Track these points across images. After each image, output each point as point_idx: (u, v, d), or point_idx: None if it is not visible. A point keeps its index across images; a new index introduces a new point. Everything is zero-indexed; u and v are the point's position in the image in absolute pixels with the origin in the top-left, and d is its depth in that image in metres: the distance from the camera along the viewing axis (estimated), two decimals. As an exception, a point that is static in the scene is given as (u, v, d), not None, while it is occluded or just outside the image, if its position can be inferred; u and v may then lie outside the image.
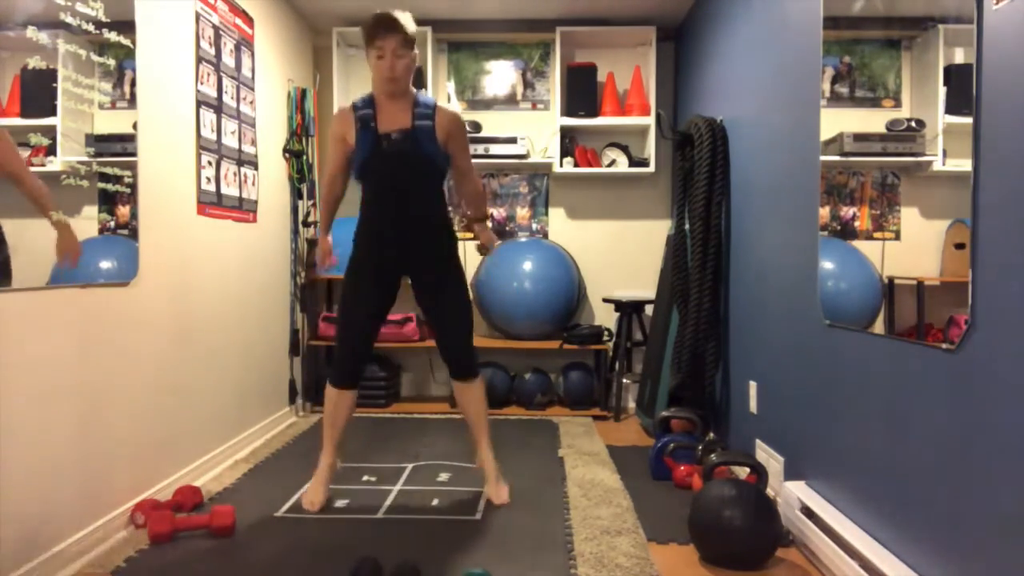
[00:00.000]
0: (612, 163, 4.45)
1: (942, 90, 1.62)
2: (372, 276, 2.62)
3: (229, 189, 3.29)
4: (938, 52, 1.65)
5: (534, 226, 4.63)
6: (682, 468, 2.92)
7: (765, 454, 2.72)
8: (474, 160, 4.28)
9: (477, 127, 4.42)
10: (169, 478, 2.74)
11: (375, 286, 2.63)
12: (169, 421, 2.74)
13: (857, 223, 2.02)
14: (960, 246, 1.53)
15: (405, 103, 2.54)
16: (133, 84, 2.49)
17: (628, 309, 4.23)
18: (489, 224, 2.85)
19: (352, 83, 4.58)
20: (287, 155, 4.06)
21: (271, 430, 3.79)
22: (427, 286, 2.66)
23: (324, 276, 4.39)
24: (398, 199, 2.56)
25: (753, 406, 2.90)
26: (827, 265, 2.21)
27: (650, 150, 4.33)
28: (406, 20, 2.44)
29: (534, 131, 4.53)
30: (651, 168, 4.30)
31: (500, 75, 4.59)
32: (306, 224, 4.26)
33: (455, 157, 2.63)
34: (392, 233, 2.59)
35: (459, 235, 4.63)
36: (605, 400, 4.31)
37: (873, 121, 1.95)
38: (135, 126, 2.51)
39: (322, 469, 2.70)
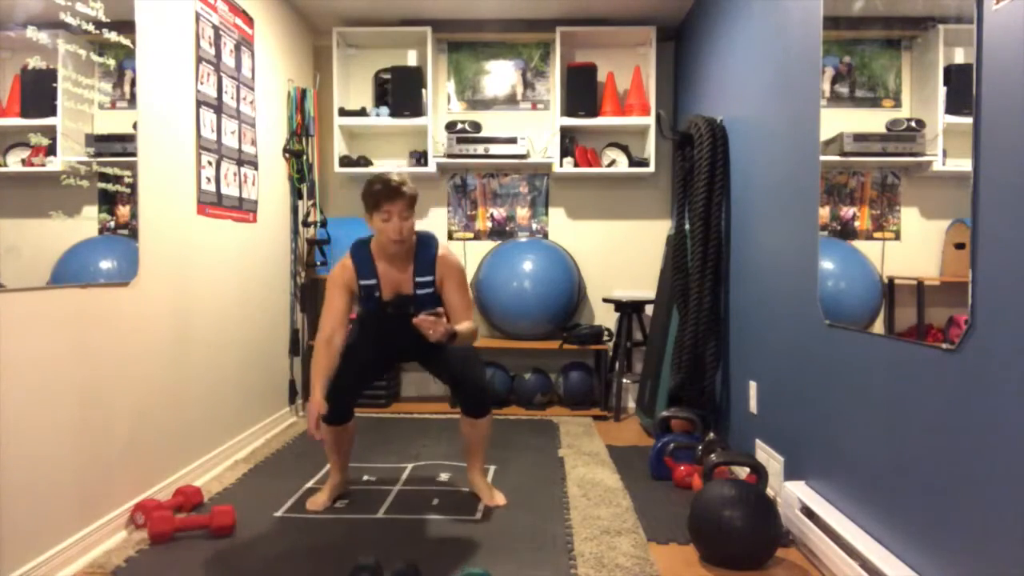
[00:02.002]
0: (612, 163, 4.45)
1: (942, 90, 1.62)
2: (375, 349, 2.70)
3: (229, 189, 3.29)
4: (938, 52, 1.65)
5: (534, 226, 4.63)
6: (682, 468, 2.92)
7: (765, 454, 2.72)
8: (474, 160, 4.33)
9: (477, 127, 4.42)
10: (169, 478, 2.74)
11: (377, 356, 2.72)
12: (169, 421, 2.74)
13: (857, 223, 2.02)
14: (960, 246, 1.53)
15: (407, 263, 2.56)
16: (133, 84, 2.49)
17: (628, 309, 4.23)
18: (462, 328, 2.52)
19: (352, 83, 4.58)
20: (287, 155, 4.06)
21: (271, 430, 3.79)
22: (431, 356, 2.68)
23: (324, 276, 4.38)
24: (398, 335, 2.62)
25: (753, 406, 2.90)
26: (827, 265, 2.21)
27: (650, 150, 4.33)
28: (409, 182, 2.46)
29: (534, 131, 4.53)
30: (651, 168, 4.30)
31: (500, 75, 4.59)
32: (306, 224, 4.26)
33: (447, 298, 2.58)
34: (393, 339, 2.67)
35: (459, 235, 4.67)
36: (605, 400, 4.30)
37: (873, 121, 1.95)
38: (135, 126, 2.51)
39: (331, 483, 2.73)
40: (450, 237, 4.64)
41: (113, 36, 2.37)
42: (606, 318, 4.58)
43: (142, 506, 2.44)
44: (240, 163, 3.42)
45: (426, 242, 2.58)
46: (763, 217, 2.82)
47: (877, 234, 1.92)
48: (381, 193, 2.41)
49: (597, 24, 4.33)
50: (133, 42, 2.49)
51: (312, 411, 2.39)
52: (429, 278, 2.55)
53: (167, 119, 2.74)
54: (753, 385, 2.90)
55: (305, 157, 4.17)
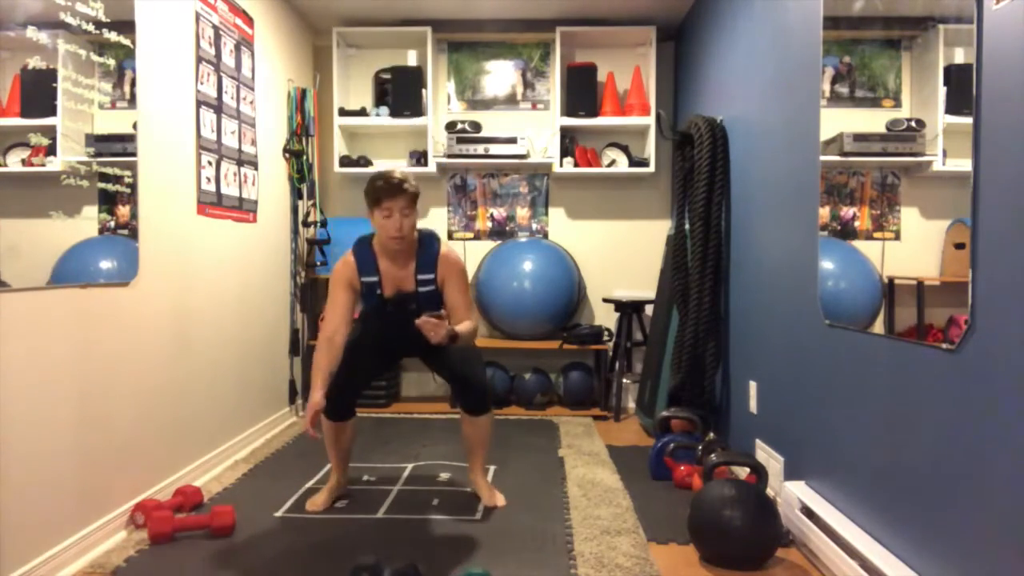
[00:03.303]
0: (612, 163, 4.45)
1: (942, 90, 1.62)
2: (377, 347, 2.70)
3: (229, 189, 3.29)
4: (938, 52, 1.65)
5: (534, 226, 4.63)
6: (682, 468, 2.92)
7: (765, 454, 2.72)
8: (474, 160, 4.32)
9: (477, 127, 4.42)
10: (169, 478, 2.74)
11: (379, 354, 2.72)
12: (169, 421, 2.74)
13: (857, 223, 2.02)
14: (960, 246, 1.53)
15: (408, 260, 2.56)
16: (133, 84, 2.49)
17: (628, 309, 4.23)
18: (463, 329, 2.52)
19: (352, 83, 4.58)
20: (287, 155, 4.06)
21: (271, 430, 3.79)
22: (432, 353, 2.68)
23: (324, 276, 4.38)
24: (400, 332, 2.62)
25: (753, 406, 2.90)
26: (827, 265, 2.21)
27: (650, 150, 4.33)
28: (411, 180, 2.46)
29: (534, 131, 4.53)
30: (651, 168, 4.30)
31: (500, 75, 4.59)
32: (306, 224, 4.26)
33: (448, 298, 2.59)
34: (395, 337, 2.68)
35: (459, 235, 4.67)
36: (605, 400, 4.30)
37: (873, 121, 1.95)
38: (135, 126, 2.51)
39: (331, 484, 2.73)
40: (450, 237, 4.64)
41: (113, 36, 2.37)
42: (606, 318, 4.58)
43: (142, 506, 2.44)
44: (240, 163, 3.42)
45: (428, 240, 2.58)
46: (763, 217, 2.82)
47: (877, 234, 1.92)
48: (382, 189, 2.41)
49: (597, 24, 4.33)
50: (133, 42, 2.49)
51: (311, 409, 2.38)
52: (431, 276, 2.55)
53: (167, 119, 2.74)
54: (753, 385, 2.90)
55: (305, 157, 4.17)
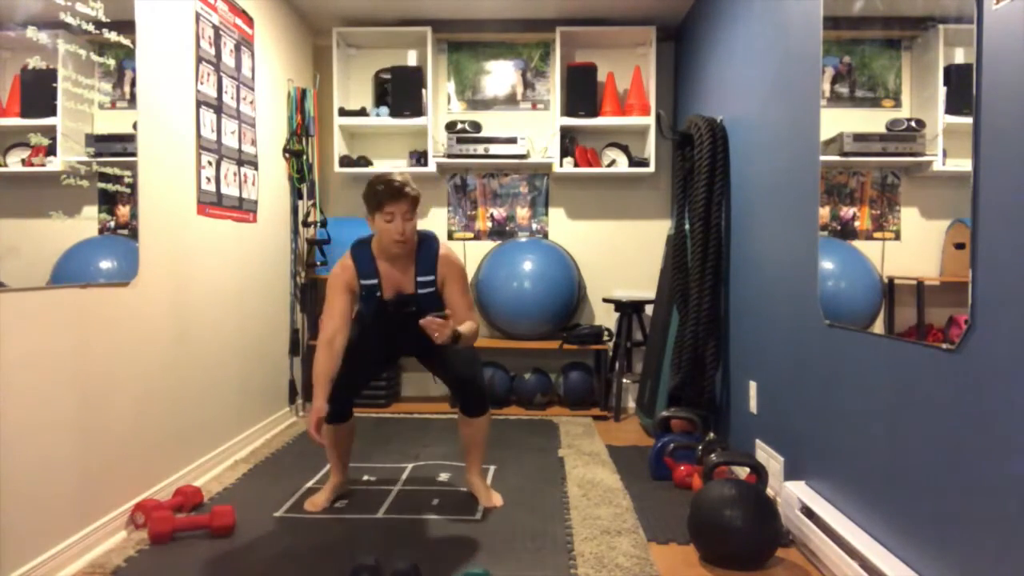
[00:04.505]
0: (612, 163, 4.45)
1: (942, 90, 1.62)
2: (376, 347, 2.70)
3: (229, 189, 3.29)
4: (938, 52, 1.65)
5: (534, 226, 4.63)
6: (682, 468, 2.92)
7: (765, 454, 2.72)
8: (474, 160, 4.32)
9: (477, 127, 4.42)
10: (169, 478, 2.74)
11: (377, 354, 2.73)
12: (169, 421, 2.74)
13: (857, 223, 2.02)
14: (960, 246, 1.53)
15: (408, 263, 2.56)
16: (133, 84, 2.49)
17: (628, 309, 4.23)
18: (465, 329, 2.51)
19: (352, 83, 4.58)
20: (287, 155, 4.06)
21: (271, 430, 3.79)
22: (432, 354, 2.68)
23: (324, 276, 4.38)
24: (399, 333, 2.63)
25: (753, 406, 2.90)
26: (827, 265, 2.21)
27: (650, 150, 4.33)
28: (412, 183, 2.46)
29: (534, 131, 4.53)
30: (651, 168, 4.30)
31: (500, 75, 4.59)
32: (306, 224, 4.26)
33: (449, 298, 2.58)
34: (394, 338, 2.68)
35: (459, 235, 4.66)
36: (605, 400, 4.30)
37: (873, 121, 1.95)
38: (135, 126, 2.51)
39: (331, 483, 2.74)
40: (450, 237, 4.64)
41: (113, 36, 2.37)
42: (606, 318, 4.58)
43: (142, 506, 2.43)
44: (240, 163, 3.42)
45: (427, 242, 2.58)
46: (763, 217, 2.82)
47: (877, 234, 1.92)
48: (384, 194, 2.41)
49: (597, 24, 4.33)
50: (133, 42, 2.49)
51: (315, 415, 2.37)
52: (431, 278, 2.55)
53: (167, 119, 2.74)
54: (753, 385, 2.90)
55: (305, 157, 4.17)
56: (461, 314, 2.55)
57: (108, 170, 2.35)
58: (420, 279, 2.55)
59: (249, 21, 3.53)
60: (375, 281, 2.55)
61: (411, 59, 4.53)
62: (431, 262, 2.55)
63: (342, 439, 2.68)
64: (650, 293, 4.50)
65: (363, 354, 2.64)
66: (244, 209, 3.47)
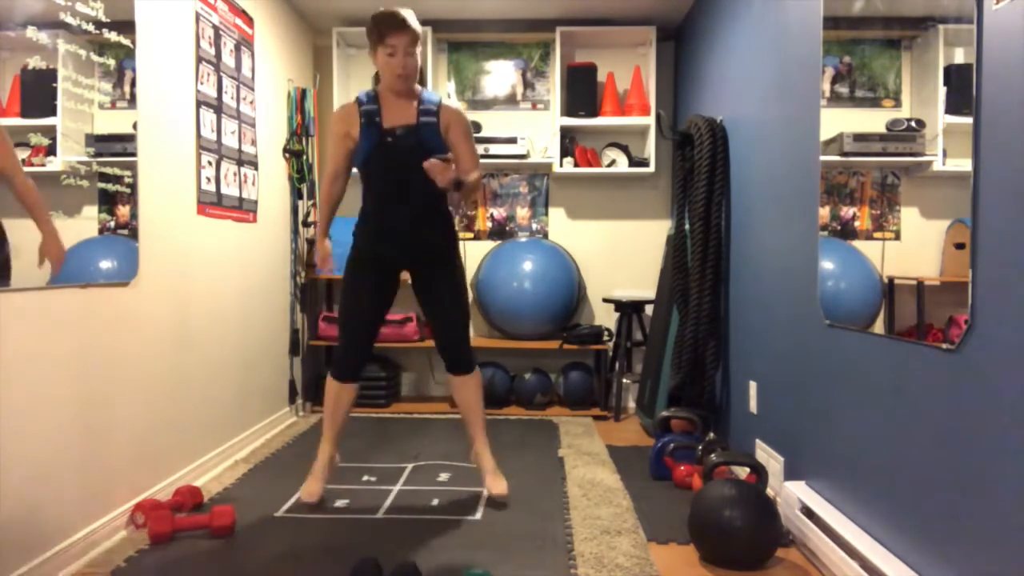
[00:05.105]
0: (612, 163, 4.45)
1: (942, 90, 1.62)
2: (372, 271, 2.66)
3: (229, 189, 3.29)
4: (938, 52, 1.65)
5: (534, 226, 4.63)
6: (682, 468, 2.92)
7: (765, 454, 2.72)
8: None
9: (477, 127, 4.42)
10: (169, 478, 2.74)
11: (374, 281, 2.66)
12: (169, 421, 2.74)
13: (857, 223, 2.02)
14: (960, 246, 1.53)
15: (410, 100, 2.58)
16: (133, 84, 2.49)
17: (628, 309, 4.23)
18: (472, 178, 2.52)
19: (352, 83, 4.58)
20: (287, 155, 4.06)
21: (271, 430, 3.79)
22: (425, 279, 2.68)
23: (324, 276, 4.39)
24: (400, 193, 2.58)
25: (753, 406, 2.90)
26: (827, 265, 2.21)
27: (650, 150, 4.33)
28: (413, 19, 2.49)
29: (534, 131, 4.53)
30: (651, 168, 4.30)
31: (500, 75, 4.59)
32: (306, 224, 4.26)
33: (454, 146, 2.62)
34: (392, 227, 2.62)
35: (459, 235, 4.65)
36: (605, 400, 4.31)
37: (873, 121, 1.95)
38: (135, 126, 2.51)
39: (321, 461, 2.73)
40: (450, 237, 4.64)
41: (113, 36, 2.37)
42: (606, 318, 4.58)
43: (142, 506, 2.43)
44: (240, 163, 3.42)
45: (430, 92, 2.65)
46: (763, 217, 2.82)
47: (877, 234, 1.92)
48: (386, 23, 2.44)
49: (597, 24, 4.34)
50: (133, 42, 2.49)
51: (320, 248, 2.67)
52: (433, 119, 2.58)
53: (167, 119, 2.74)
54: (753, 385, 2.90)
55: (305, 157, 4.17)
56: (467, 163, 2.61)
57: (108, 170, 2.35)
58: (423, 114, 2.57)
59: (249, 21, 3.53)
60: (375, 107, 2.56)
61: (411, 59, 4.52)
62: (434, 107, 2.59)
63: (343, 403, 2.70)
64: (650, 293, 4.50)
65: (361, 279, 2.63)
66: (244, 209, 3.47)
